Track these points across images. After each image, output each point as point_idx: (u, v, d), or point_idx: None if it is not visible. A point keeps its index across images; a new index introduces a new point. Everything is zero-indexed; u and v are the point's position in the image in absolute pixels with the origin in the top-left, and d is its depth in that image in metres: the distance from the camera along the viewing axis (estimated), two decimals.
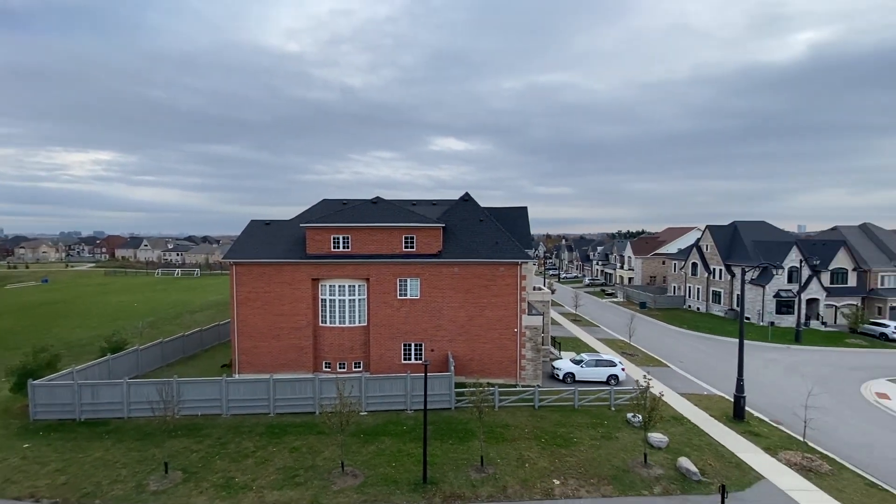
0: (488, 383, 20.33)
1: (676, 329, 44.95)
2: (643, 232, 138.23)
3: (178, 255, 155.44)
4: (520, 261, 26.03)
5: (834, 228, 54.74)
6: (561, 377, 26.83)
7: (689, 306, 57.86)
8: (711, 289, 53.99)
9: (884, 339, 39.70)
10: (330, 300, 26.38)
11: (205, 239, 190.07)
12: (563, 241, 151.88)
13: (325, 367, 26.43)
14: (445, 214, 28.69)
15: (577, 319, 48.90)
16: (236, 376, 25.55)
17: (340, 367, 26.34)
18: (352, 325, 26.45)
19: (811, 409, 20.14)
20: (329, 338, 26.39)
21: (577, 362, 27.38)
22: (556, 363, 27.96)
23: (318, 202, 32.54)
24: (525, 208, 34.39)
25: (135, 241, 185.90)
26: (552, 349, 32.87)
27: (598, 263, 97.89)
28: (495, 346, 26.23)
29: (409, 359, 26.36)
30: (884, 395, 25.63)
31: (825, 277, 46.62)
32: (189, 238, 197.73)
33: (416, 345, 26.38)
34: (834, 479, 16.24)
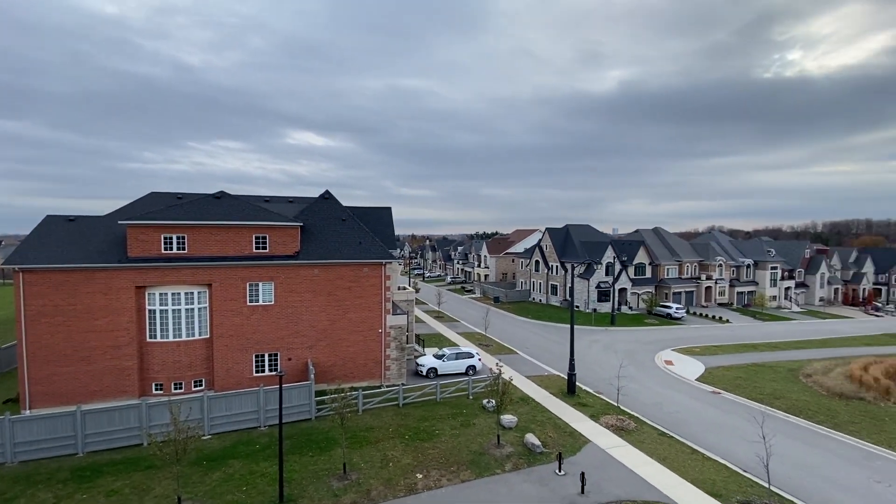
0: (352, 387, 19.79)
1: (524, 319, 50.32)
2: (497, 233, 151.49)
3: None
4: (384, 261, 26.01)
5: (636, 231, 67.83)
6: (424, 373, 27.69)
7: (534, 299, 65.36)
8: (550, 282, 61.90)
9: (669, 318, 50.73)
10: (161, 311, 22.57)
11: None
12: (428, 242, 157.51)
13: (157, 389, 22.53)
14: (304, 213, 27.08)
15: (440, 316, 51.08)
16: (26, 413, 20.10)
17: (176, 388, 22.75)
18: (190, 339, 23.05)
19: (622, 378, 24.73)
20: (160, 355, 22.55)
21: (440, 357, 28.60)
22: (420, 360, 28.76)
23: (146, 195, 27.64)
24: (389, 209, 34.55)
25: None
26: (416, 347, 33.70)
27: (458, 262, 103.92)
28: (360, 349, 25.73)
29: (263, 370, 24.15)
30: (669, 362, 32.66)
31: (631, 271, 57.44)
32: None
33: (270, 355, 24.29)
34: (637, 433, 20.05)
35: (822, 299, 68.04)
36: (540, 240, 67.27)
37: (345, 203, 29.86)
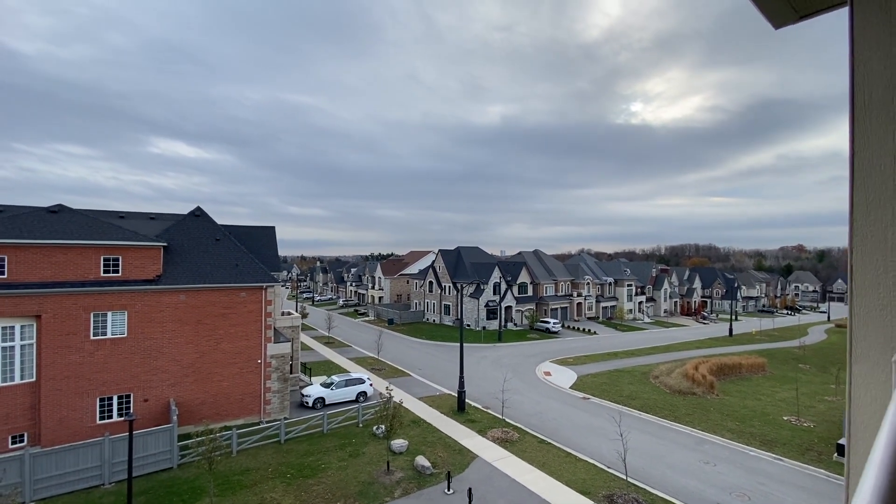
0: (224, 427, 17.69)
1: (418, 340, 50.61)
2: (392, 254, 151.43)
3: None
4: (265, 284, 24.17)
5: (519, 253, 73.51)
6: (311, 404, 26.00)
7: (428, 319, 66.30)
8: (444, 303, 63.51)
9: (548, 332, 55.43)
10: None
11: None
12: (319, 263, 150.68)
13: None
14: (170, 231, 24.05)
15: (330, 342, 48.80)
16: None
17: None
18: (6, 384, 18.61)
19: (507, 391, 26.19)
20: None
21: (328, 385, 27.19)
22: (306, 390, 26.99)
23: None
24: (272, 228, 32.45)
25: None
26: (302, 376, 31.63)
27: (352, 284, 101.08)
28: (235, 383, 23.28)
29: (110, 416, 20.44)
30: (548, 373, 35.51)
31: (515, 289, 61.78)
32: None
33: (121, 397, 20.70)
34: (520, 443, 21.27)
35: (666, 311, 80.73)
36: (433, 261, 68.91)
37: (222, 221, 27.33)
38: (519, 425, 23.71)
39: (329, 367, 36.45)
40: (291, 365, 27.31)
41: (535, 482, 17.47)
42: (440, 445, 20.95)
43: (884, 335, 1.11)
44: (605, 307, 71.68)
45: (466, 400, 26.57)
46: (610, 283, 73.69)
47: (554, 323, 56.39)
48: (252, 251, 26.56)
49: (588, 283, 69.51)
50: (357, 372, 32.65)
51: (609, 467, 18.86)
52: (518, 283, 62.33)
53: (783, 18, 2.26)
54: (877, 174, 1.35)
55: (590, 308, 70.00)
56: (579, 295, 68.42)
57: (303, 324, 45.31)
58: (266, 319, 24.25)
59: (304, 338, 47.16)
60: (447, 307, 62.67)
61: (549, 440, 21.85)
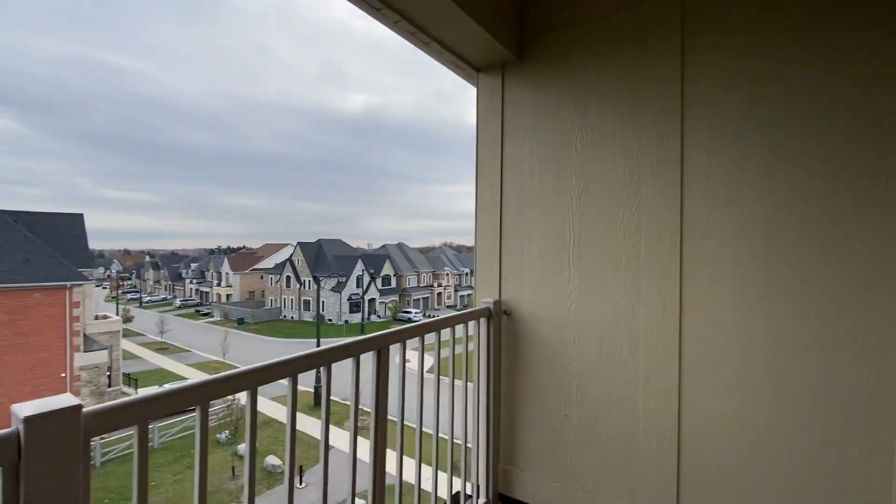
0: None
1: (274, 340, 47.56)
2: (244, 247, 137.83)
3: None
4: (70, 283, 20.14)
5: (383, 246, 74.37)
6: None
7: (286, 317, 62.62)
8: (303, 298, 60.73)
9: (410, 322, 57.16)
10: None
11: None
12: (149, 258, 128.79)
13: None
14: None
15: (163, 348, 42.63)
16: None
17: None
18: None
19: (367, 382, 26.66)
20: None
21: None
22: None
23: None
24: (80, 215, 26.96)
25: None
26: (125, 389, 27.19)
27: (192, 282, 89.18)
28: None
29: None
30: (408, 360, 37.02)
31: (379, 282, 62.39)
32: None
33: None
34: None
35: None
36: (291, 254, 65.22)
37: (5, 206, 21.66)
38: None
39: (162, 377, 31.95)
40: (110, 377, 23.32)
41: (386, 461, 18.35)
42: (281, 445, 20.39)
43: None
44: (463, 296, 77.24)
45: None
46: (467, 274, 79.59)
47: (416, 313, 58.68)
48: (52, 244, 21.74)
49: (448, 274, 73.94)
50: (198, 379, 29.35)
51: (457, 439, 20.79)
52: (382, 275, 63.05)
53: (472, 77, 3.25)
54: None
55: (449, 297, 74.61)
56: (439, 285, 72.37)
57: (127, 329, 38.83)
58: (73, 325, 20.27)
59: (129, 345, 40.30)
60: (307, 303, 60.08)
61: (396, 419, 23.02)
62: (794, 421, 2.05)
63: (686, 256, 2.33)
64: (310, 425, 22.54)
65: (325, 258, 61.40)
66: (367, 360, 2.09)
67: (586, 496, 2.66)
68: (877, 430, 1.88)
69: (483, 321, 3.00)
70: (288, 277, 62.46)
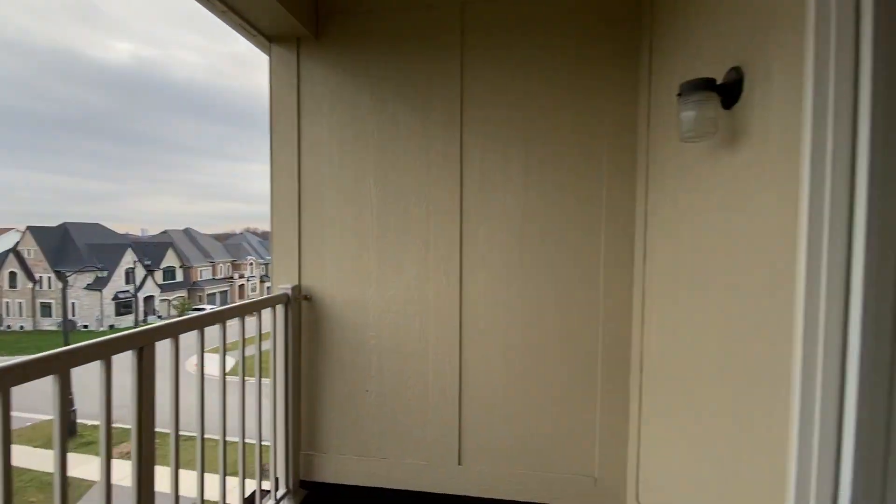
0: None
1: None
2: None
3: None
4: None
5: (164, 232, 62.20)
6: None
7: (10, 326, 46.58)
8: (39, 300, 46.17)
9: None
10: None
11: None
12: None
13: None
14: None
15: None
16: None
17: None
18: None
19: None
20: None
21: None
22: None
23: None
24: None
25: None
26: None
27: None
28: None
29: None
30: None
31: (158, 276, 52.10)
32: None
33: None
34: (159, 449, 18.56)
35: None
36: (18, 243, 48.50)
37: None
38: (158, 429, 20.58)
39: None
40: None
41: (161, 482, 15.80)
42: (32, 489, 15.55)
43: None
44: (271, 287, 71.27)
45: (79, 420, 20.66)
46: None
47: (211, 309, 51.37)
48: None
49: (252, 264, 66.89)
50: None
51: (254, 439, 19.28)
52: (162, 267, 52.79)
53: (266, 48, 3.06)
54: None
55: (254, 289, 67.69)
56: (241, 276, 64.94)
57: None
58: None
59: None
60: (46, 306, 45.91)
61: (193, 434, 20.12)
62: (543, 367, 2.67)
63: (465, 239, 2.72)
64: (71, 463, 17.50)
65: (74, 247, 47.66)
66: (126, 360, 1.76)
67: (386, 463, 2.86)
68: (607, 369, 2.61)
69: (280, 308, 2.87)
70: (13, 273, 46.32)
